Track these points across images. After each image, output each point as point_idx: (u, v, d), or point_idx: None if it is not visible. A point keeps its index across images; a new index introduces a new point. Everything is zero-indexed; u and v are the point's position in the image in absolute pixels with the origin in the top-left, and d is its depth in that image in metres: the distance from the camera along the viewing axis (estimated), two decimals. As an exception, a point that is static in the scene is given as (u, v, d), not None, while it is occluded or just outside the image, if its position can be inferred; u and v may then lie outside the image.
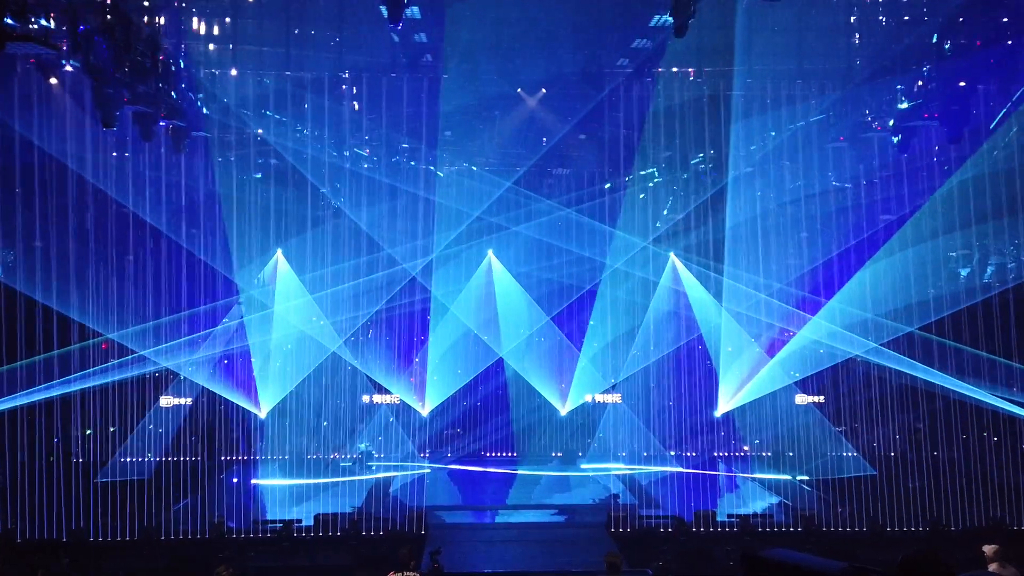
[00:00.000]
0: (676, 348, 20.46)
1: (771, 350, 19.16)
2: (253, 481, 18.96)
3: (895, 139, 16.84)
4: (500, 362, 21.19)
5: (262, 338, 19.38)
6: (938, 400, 17.40)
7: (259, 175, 19.47)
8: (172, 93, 15.51)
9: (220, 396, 19.05)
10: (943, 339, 17.08)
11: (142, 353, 17.40)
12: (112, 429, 17.44)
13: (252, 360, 19.40)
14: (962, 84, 15.60)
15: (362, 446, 20.47)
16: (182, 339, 18.14)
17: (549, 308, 20.69)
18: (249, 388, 19.42)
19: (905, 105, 16.43)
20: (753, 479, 19.18)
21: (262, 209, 19.11)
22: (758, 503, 17.29)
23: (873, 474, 16.89)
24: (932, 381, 17.11)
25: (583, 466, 20.51)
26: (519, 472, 20.50)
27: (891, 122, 16.84)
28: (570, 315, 20.92)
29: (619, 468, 19.76)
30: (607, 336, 20.40)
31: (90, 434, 17.12)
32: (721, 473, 19.41)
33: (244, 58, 17.82)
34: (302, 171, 19.49)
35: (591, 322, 20.73)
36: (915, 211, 17.52)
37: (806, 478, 18.47)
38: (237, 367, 19.83)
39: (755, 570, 4.01)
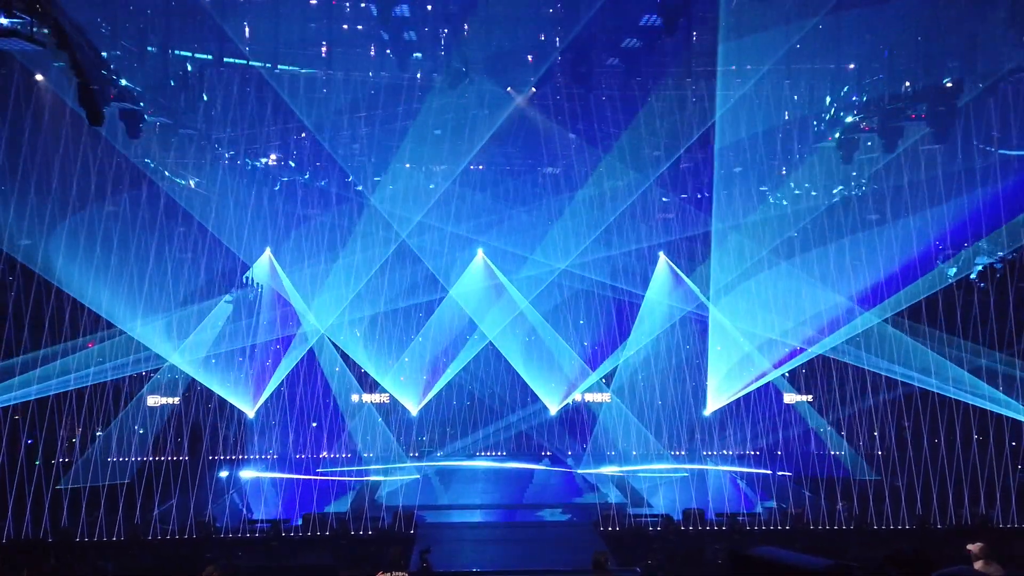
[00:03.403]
0: (670, 347, 20.49)
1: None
2: (242, 473, 18.93)
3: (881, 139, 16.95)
4: (492, 361, 21.16)
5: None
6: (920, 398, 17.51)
7: (248, 171, 19.38)
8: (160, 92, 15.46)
9: (207, 396, 18.92)
10: (931, 338, 17.20)
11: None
12: (99, 433, 17.30)
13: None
14: (949, 84, 15.74)
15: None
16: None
17: (538, 306, 20.67)
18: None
19: (890, 106, 16.56)
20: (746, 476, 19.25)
21: (253, 206, 19.02)
22: (747, 501, 17.35)
23: (877, 478, 16.88)
24: (919, 379, 17.21)
25: (579, 471, 20.41)
26: (509, 471, 20.48)
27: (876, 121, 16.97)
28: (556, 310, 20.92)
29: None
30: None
31: (75, 441, 16.99)
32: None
33: (234, 55, 17.70)
34: (294, 168, 19.41)
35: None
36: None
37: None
38: (244, 364, 19.73)
39: (743, 568, 4.03)
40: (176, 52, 16.77)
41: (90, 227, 16.66)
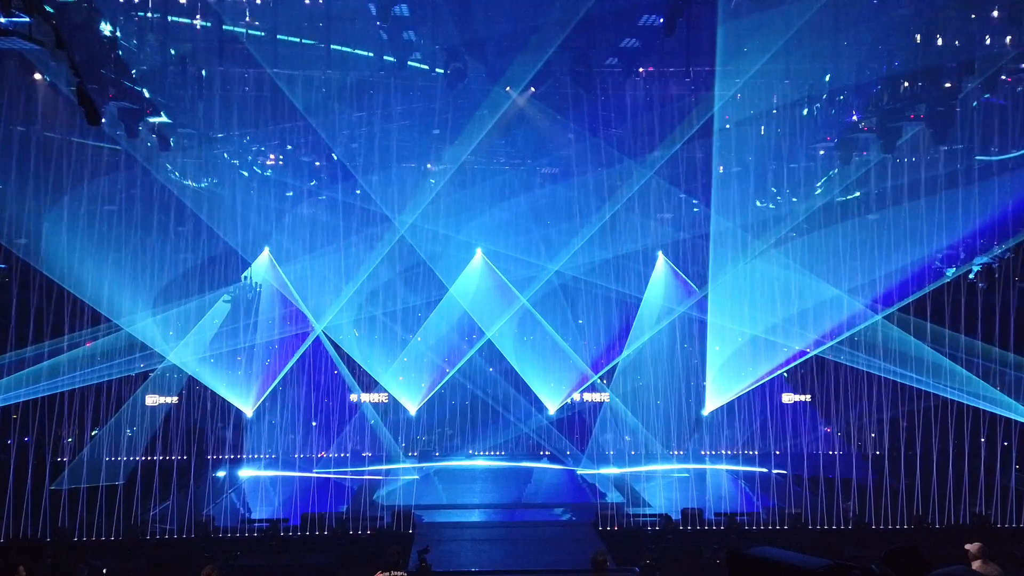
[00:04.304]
0: (670, 346, 20.49)
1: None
2: (241, 472, 18.91)
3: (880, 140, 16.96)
4: (492, 360, 21.15)
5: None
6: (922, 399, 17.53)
7: (246, 173, 19.39)
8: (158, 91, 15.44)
9: (205, 395, 18.90)
10: (927, 338, 17.23)
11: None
12: (94, 433, 17.27)
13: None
14: (948, 85, 15.73)
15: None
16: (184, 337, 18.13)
17: (534, 304, 20.67)
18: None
19: (890, 106, 16.56)
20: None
21: (250, 206, 19.01)
22: (745, 501, 17.35)
23: (874, 478, 16.86)
24: (914, 380, 17.23)
25: (579, 470, 20.36)
26: (507, 471, 20.46)
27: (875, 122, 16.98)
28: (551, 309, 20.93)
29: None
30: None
31: (71, 441, 16.97)
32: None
33: (232, 55, 17.67)
34: (291, 166, 19.42)
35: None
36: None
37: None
38: (242, 363, 19.72)
39: (741, 568, 4.02)
40: (173, 19, 16.63)
41: (89, 226, 16.66)
